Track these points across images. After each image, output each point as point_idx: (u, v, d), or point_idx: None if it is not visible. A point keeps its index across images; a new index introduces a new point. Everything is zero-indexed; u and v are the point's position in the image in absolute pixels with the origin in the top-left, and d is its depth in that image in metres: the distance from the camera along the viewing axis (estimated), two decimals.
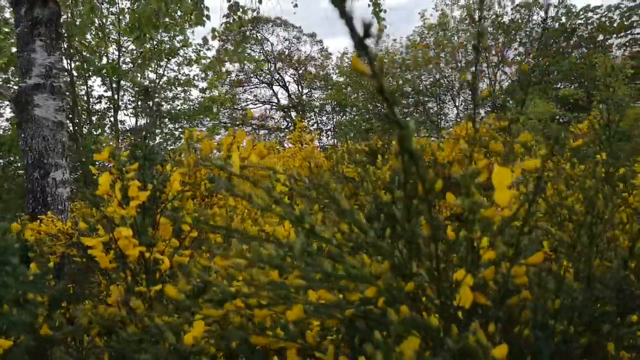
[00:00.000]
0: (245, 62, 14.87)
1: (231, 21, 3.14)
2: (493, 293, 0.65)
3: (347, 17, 0.42)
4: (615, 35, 16.31)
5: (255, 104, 20.16)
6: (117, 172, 1.11)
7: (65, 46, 10.03)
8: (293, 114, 19.78)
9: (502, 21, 16.93)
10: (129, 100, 13.72)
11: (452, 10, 17.49)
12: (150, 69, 13.30)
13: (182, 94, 14.39)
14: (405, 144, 0.47)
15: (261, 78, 20.09)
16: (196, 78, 13.88)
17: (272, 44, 19.43)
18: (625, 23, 15.98)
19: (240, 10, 3.13)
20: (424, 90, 18.13)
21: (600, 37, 16.42)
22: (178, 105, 14.69)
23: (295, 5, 5.19)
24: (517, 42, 17.15)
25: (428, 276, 0.59)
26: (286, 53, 19.45)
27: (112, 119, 12.87)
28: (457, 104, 18.48)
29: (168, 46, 12.07)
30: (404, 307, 0.47)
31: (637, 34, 16.06)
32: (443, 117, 18.85)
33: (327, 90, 19.55)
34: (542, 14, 16.69)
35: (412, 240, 0.51)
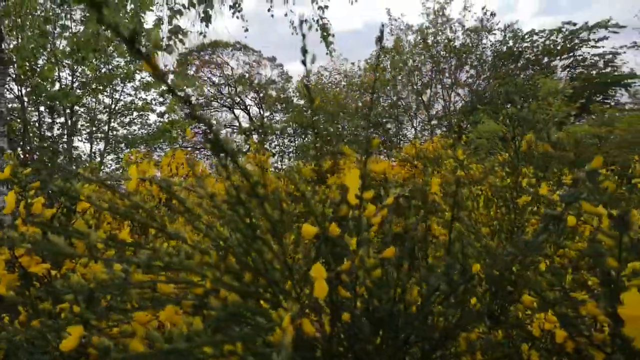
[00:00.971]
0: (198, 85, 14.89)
1: (173, 44, 3.18)
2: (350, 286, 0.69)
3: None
4: (559, 58, 17.29)
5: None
6: (19, 190, 1.11)
7: (15, 72, 9.77)
8: (255, 137, 19.82)
9: (453, 45, 17.67)
10: (82, 125, 13.42)
11: (406, 34, 18.12)
12: (105, 93, 13.11)
13: (139, 119, 14.21)
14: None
15: (222, 102, 20.09)
16: (154, 102, 13.76)
17: (232, 68, 19.52)
18: (568, 46, 16.99)
19: (181, 32, 3.17)
20: (383, 111, 18.58)
21: (546, 60, 17.37)
22: (135, 130, 14.49)
23: (246, 30, 5.28)
24: (469, 65, 17.90)
25: (281, 271, 0.63)
26: (246, 76, 19.56)
27: (65, 145, 12.53)
28: (414, 125, 19.01)
29: (125, 70, 11.96)
30: (233, 296, 0.51)
31: (579, 55, 17.08)
32: (402, 138, 19.32)
33: (288, 113, 19.73)
34: (491, 38, 17.55)
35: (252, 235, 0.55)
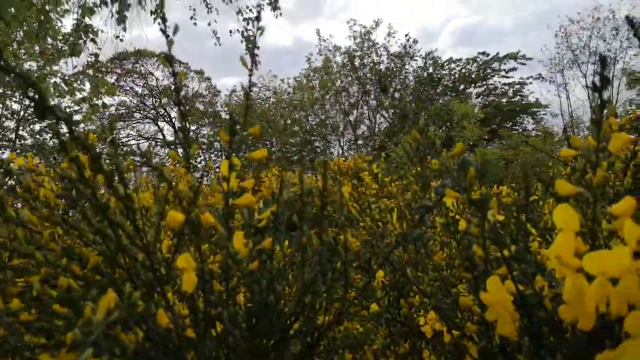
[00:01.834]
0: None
1: (82, 44, 2.97)
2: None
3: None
4: (473, 85, 18.60)
5: (139, 140, 19.22)
6: None
7: None
8: (180, 150, 19.16)
9: (379, 68, 18.40)
10: None
11: (334, 55, 18.60)
12: (14, 99, 12.09)
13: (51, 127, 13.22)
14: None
15: (145, 113, 19.29)
16: (68, 109, 12.89)
17: (157, 79, 18.87)
18: (482, 74, 18.35)
19: (91, 31, 2.98)
20: (311, 130, 18.81)
21: (462, 87, 18.61)
22: (47, 139, 13.48)
23: (168, 36, 5.11)
24: (393, 89, 18.70)
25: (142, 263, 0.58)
26: (172, 88, 18.96)
27: None
28: (342, 144, 19.41)
29: (36, 75, 11.09)
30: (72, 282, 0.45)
31: (491, 84, 18.48)
32: (330, 156, 19.64)
33: (215, 127, 19.35)
34: (413, 63, 18.49)
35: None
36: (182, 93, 0.85)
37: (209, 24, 5.36)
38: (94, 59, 3.48)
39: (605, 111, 0.52)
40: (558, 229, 0.49)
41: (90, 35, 2.95)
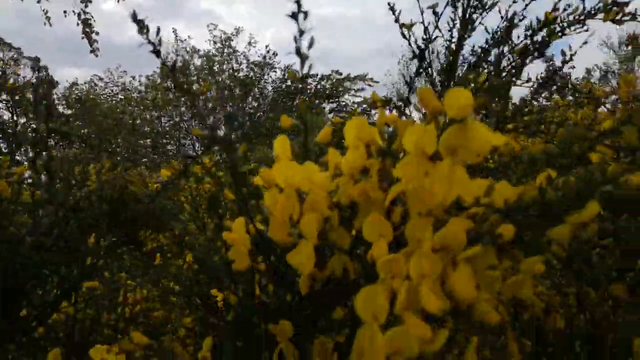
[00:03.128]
0: None
1: None
2: None
3: None
4: (327, 101, 19.72)
5: None
6: None
7: None
8: (3, 145, 16.58)
9: (238, 76, 18.35)
10: None
11: (192, 57, 18.06)
12: None
13: None
14: None
15: None
16: None
17: None
18: (334, 92, 19.55)
19: None
20: (163, 131, 17.88)
21: (317, 102, 19.56)
22: None
23: None
24: (251, 97, 18.82)
25: None
26: None
27: None
28: (196, 149, 18.81)
29: None
30: None
31: (343, 102, 19.79)
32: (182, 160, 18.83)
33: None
34: (272, 74, 18.87)
35: None
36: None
37: (38, 1, 4.77)
38: None
39: None
40: (276, 156, 0.54)
41: None
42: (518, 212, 0.38)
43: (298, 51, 0.69)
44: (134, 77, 18.40)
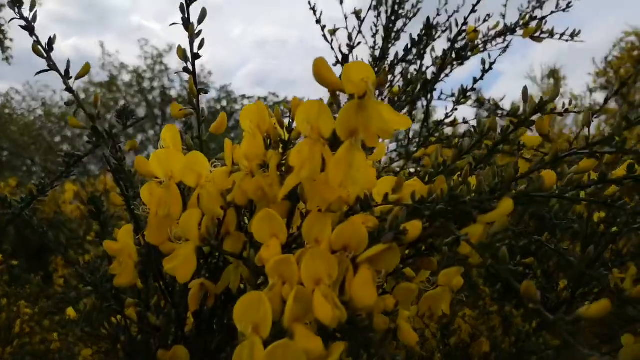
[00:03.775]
0: None
1: None
2: None
3: None
4: None
5: None
6: None
7: None
8: None
9: (169, 94, 17.78)
10: None
11: (120, 72, 17.31)
12: None
13: None
14: None
15: None
16: None
17: None
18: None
19: None
20: (84, 149, 16.79)
21: None
22: None
23: None
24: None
25: None
26: None
27: None
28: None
29: None
30: None
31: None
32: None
33: None
34: (208, 95, 18.51)
35: None
36: None
37: None
38: None
39: None
40: (165, 145, 0.47)
41: None
42: (427, 205, 0.34)
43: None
44: (55, 92, 17.25)
